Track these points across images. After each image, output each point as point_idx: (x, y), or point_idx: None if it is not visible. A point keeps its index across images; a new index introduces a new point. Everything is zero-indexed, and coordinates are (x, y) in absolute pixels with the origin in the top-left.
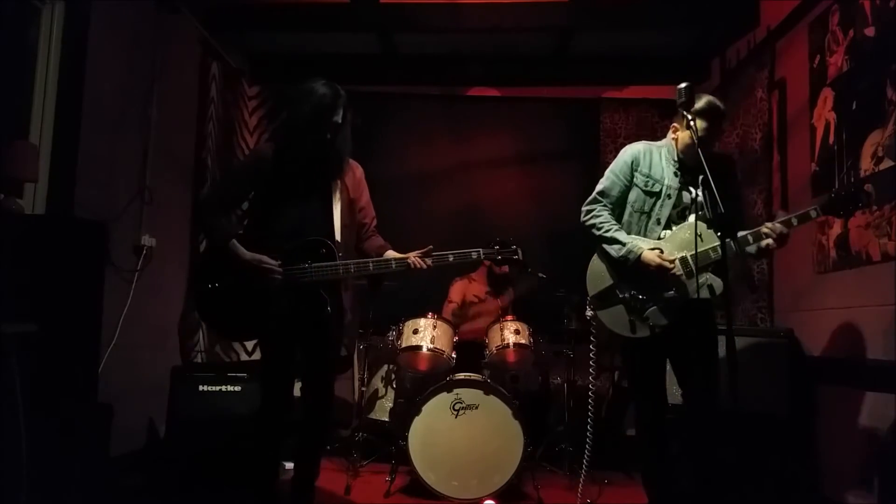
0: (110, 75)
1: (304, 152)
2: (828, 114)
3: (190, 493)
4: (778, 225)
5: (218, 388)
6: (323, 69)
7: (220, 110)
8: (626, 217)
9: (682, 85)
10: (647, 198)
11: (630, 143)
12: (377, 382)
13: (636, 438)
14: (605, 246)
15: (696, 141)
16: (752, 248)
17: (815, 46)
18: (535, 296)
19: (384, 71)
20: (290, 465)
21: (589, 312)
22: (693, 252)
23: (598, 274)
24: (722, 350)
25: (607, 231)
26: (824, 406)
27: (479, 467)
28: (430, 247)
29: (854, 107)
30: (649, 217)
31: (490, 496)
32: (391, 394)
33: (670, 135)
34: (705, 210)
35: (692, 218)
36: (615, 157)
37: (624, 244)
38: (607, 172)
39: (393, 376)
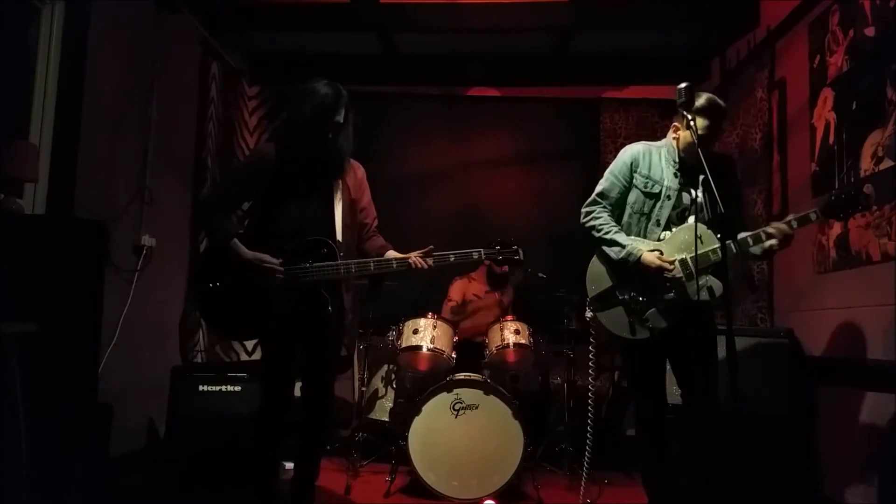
0: (110, 75)
1: (306, 152)
2: (828, 114)
3: (190, 493)
4: (783, 226)
5: (218, 388)
6: (323, 69)
7: (220, 110)
8: (625, 218)
9: (682, 85)
10: (647, 199)
11: (630, 143)
12: (377, 382)
13: (636, 438)
14: (604, 248)
15: (696, 139)
16: (756, 250)
17: (815, 46)
18: (523, 281)
19: (384, 71)
20: (290, 465)
21: (588, 314)
22: (693, 254)
23: (597, 275)
24: (722, 350)
25: (607, 233)
26: (824, 406)
27: (479, 467)
28: (431, 247)
29: (854, 107)
30: (649, 218)
31: (490, 496)
32: (391, 394)
33: (671, 134)
34: (705, 211)
35: (692, 219)
36: (615, 157)
37: (623, 246)
38: (606, 174)
39: (393, 376)
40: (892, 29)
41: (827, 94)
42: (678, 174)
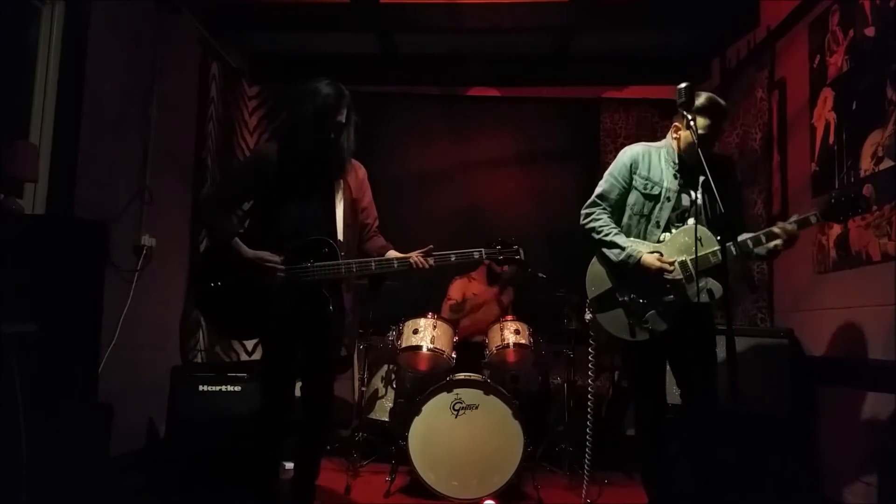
0: (110, 75)
1: (308, 152)
2: (828, 114)
3: (190, 493)
4: (790, 226)
5: (218, 388)
6: (323, 69)
7: (220, 110)
8: (625, 220)
9: (682, 85)
10: (647, 201)
11: (630, 142)
12: (377, 382)
13: (636, 438)
14: (604, 250)
15: (696, 139)
16: (760, 251)
17: (815, 46)
18: (519, 277)
19: (384, 71)
20: (290, 466)
21: (588, 316)
22: (693, 256)
23: (597, 277)
24: (722, 350)
25: (606, 235)
26: (824, 406)
27: (479, 467)
28: (431, 246)
29: (854, 107)
30: (648, 220)
31: (490, 496)
32: (391, 394)
33: (672, 135)
34: (704, 213)
35: (692, 221)
36: (615, 157)
37: (623, 248)
38: (606, 175)
39: (393, 376)
40: (892, 29)
41: (827, 94)
42: (678, 175)
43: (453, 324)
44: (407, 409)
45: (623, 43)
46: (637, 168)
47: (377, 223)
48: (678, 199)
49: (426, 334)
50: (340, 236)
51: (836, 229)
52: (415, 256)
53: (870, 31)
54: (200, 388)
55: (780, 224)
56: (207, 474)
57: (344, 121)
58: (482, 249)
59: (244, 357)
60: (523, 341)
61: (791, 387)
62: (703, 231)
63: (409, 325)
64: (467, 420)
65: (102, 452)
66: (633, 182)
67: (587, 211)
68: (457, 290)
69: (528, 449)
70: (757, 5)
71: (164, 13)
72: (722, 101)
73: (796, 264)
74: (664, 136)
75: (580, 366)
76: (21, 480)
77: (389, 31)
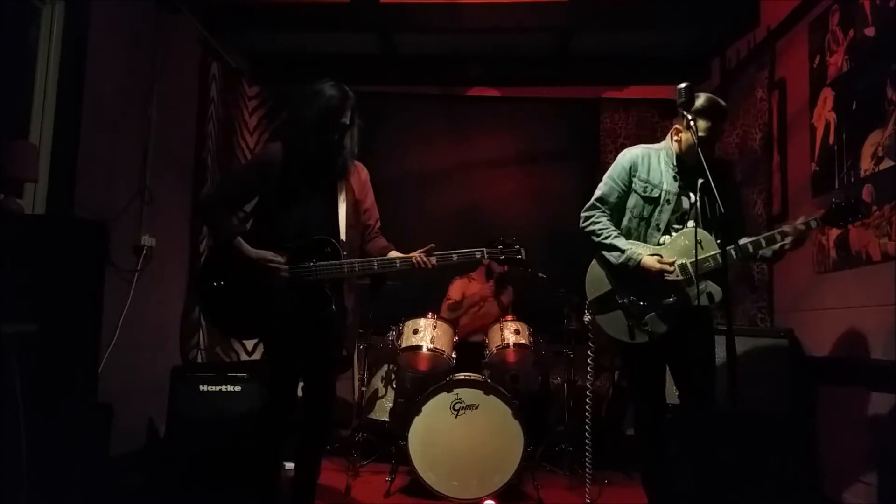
0: (110, 75)
1: (311, 153)
2: (828, 114)
3: (190, 493)
4: (802, 226)
5: (218, 388)
6: (323, 69)
7: (220, 110)
8: (625, 223)
9: (682, 85)
10: (646, 204)
11: (630, 143)
12: (377, 382)
13: (636, 438)
14: (604, 253)
15: (696, 141)
16: (766, 252)
17: (815, 46)
18: (512, 274)
19: (384, 71)
20: (290, 466)
21: (587, 317)
22: (693, 259)
23: (597, 279)
24: (722, 351)
25: (606, 237)
26: (824, 406)
27: (479, 467)
28: (433, 245)
29: (854, 107)
30: (648, 223)
31: (490, 496)
32: (391, 394)
33: (672, 137)
34: (701, 215)
35: (691, 224)
36: (615, 157)
37: (623, 251)
38: (605, 178)
39: (393, 376)
40: (892, 29)
41: (827, 94)
42: (677, 178)
43: (453, 323)
44: (407, 409)
45: (623, 43)
46: (636, 171)
47: (378, 224)
48: (678, 201)
49: (426, 334)
50: (343, 237)
51: (836, 229)
52: (417, 256)
53: (870, 31)
54: (200, 388)
55: (789, 223)
56: (207, 474)
57: (348, 123)
58: (484, 249)
59: (244, 357)
60: (523, 341)
61: (791, 387)
62: (703, 234)
63: (409, 325)
64: (467, 420)
65: (102, 452)
66: (633, 185)
67: (586, 214)
68: (456, 290)
69: (528, 449)
70: (757, 5)
71: (164, 13)
72: (722, 103)
73: (796, 264)
74: (664, 137)
75: (580, 366)
76: (21, 480)
77: (389, 31)
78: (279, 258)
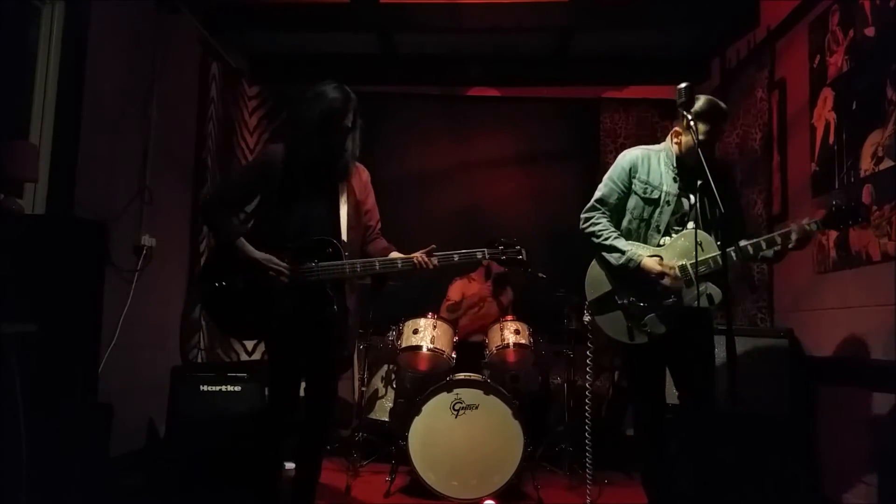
0: (110, 75)
1: (313, 155)
2: (828, 114)
3: (190, 493)
4: (808, 226)
5: (218, 388)
6: (323, 69)
7: (220, 110)
8: (625, 224)
9: (682, 85)
10: (646, 205)
11: (630, 143)
12: (377, 382)
13: (636, 439)
14: (604, 254)
15: (696, 142)
16: (768, 253)
17: (815, 46)
18: (509, 274)
19: (384, 71)
20: (290, 466)
21: (587, 318)
22: (693, 261)
23: (596, 279)
24: (722, 351)
25: (606, 239)
26: (824, 406)
27: (479, 467)
28: (434, 245)
29: (854, 107)
30: (648, 224)
31: (490, 496)
32: (391, 394)
33: (672, 138)
34: (700, 216)
35: (691, 225)
36: (615, 157)
37: (623, 252)
38: (605, 179)
39: (393, 376)
40: (892, 29)
41: (827, 94)
42: (677, 179)
43: (453, 324)
44: (407, 409)
45: (623, 43)
46: (636, 172)
47: (379, 226)
48: (678, 202)
49: (426, 334)
50: (344, 238)
51: None
52: (418, 256)
53: (870, 31)
54: (201, 388)
55: (796, 222)
56: (207, 474)
57: (350, 125)
58: (485, 249)
59: (244, 357)
60: (523, 341)
61: (791, 387)
62: (704, 235)
63: (409, 325)
64: (467, 420)
65: (102, 452)
66: (633, 186)
67: (586, 215)
68: (456, 290)
69: (528, 449)
70: (757, 5)
71: (164, 13)
72: (722, 105)
73: (796, 264)
74: (664, 137)
75: (580, 366)
76: (21, 480)
77: (389, 31)
78: (284, 263)
